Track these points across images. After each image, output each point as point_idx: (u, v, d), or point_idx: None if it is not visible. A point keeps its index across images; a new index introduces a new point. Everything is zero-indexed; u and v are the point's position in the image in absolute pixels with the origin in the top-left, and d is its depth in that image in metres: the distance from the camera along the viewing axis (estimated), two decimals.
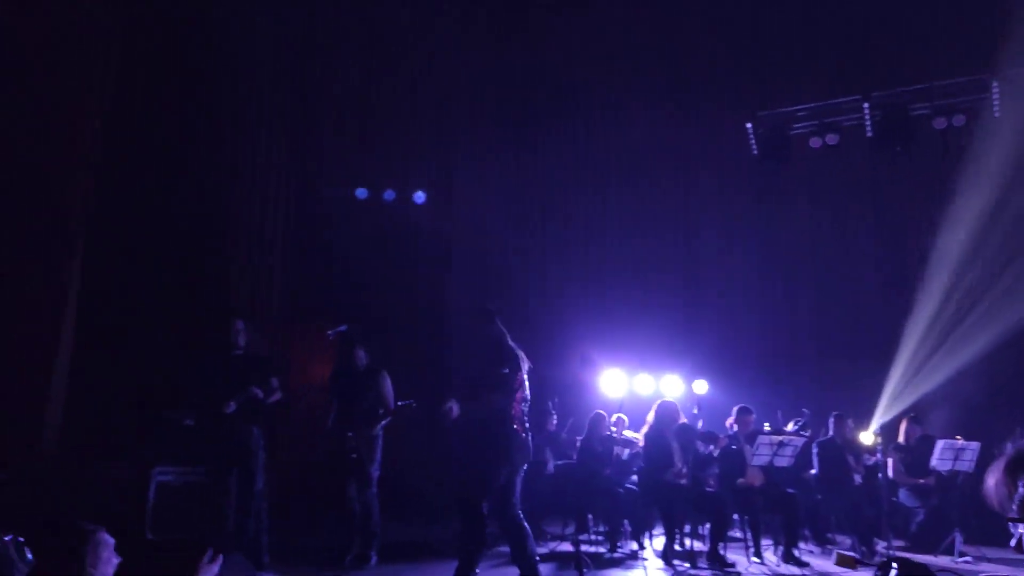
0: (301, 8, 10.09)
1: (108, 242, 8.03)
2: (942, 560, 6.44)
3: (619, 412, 7.87)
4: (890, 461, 7.28)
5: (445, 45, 10.95)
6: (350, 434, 5.89)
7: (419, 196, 10.86)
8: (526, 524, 4.80)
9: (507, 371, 4.86)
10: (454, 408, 4.74)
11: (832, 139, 9.60)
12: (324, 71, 10.49)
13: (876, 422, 8.22)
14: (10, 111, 7.10)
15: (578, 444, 7.70)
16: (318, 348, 8.73)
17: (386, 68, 10.81)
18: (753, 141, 10.02)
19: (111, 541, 2.50)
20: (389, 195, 10.75)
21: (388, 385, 6.12)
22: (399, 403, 6.16)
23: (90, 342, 7.59)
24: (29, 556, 5.03)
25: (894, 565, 2.82)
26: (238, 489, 5.63)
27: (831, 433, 7.34)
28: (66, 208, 7.19)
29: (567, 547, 6.86)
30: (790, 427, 7.63)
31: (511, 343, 5.02)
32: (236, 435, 5.55)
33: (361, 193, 10.50)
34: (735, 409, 7.21)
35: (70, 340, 7.14)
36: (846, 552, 6.38)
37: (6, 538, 4.97)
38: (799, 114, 9.86)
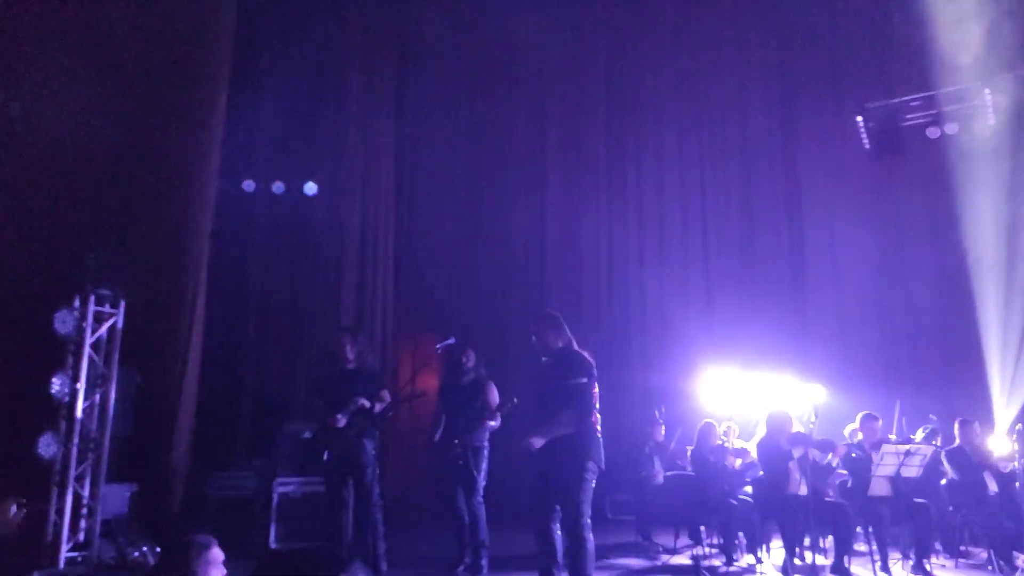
0: None
1: (227, 258, 8.46)
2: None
3: (728, 421, 7.67)
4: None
5: None
6: (456, 441, 5.94)
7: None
8: (591, 540, 4.61)
9: (584, 380, 4.69)
10: (535, 443, 4.57)
11: (951, 128, 9.10)
12: None
13: (1010, 425, 7.71)
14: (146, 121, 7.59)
15: (688, 454, 7.56)
16: (426, 359, 8.91)
17: None
18: (864, 134, 9.60)
19: (220, 556, 2.64)
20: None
21: (494, 394, 6.14)
22: (502, 403, 6.07)
23: (215, 359, 7.99)
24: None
25: None
26: (355, 499, 5.81)
27: (957, 441, 6.92)
28: (192, 226, 7.61)
29: (680, 560, 6.75)
30: (919, 435, 7.25)
31: (579, 349, 4.87)
32: (350, 447, 5.71)
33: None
34: (860, 416, 6.90)
35: (198, 357, 7.54)
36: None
37: (143, 548, 5.29)
38: (912, 104, 9.39)
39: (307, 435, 6.67)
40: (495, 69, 11.16)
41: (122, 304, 6.65)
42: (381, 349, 9.34)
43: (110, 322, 6.61)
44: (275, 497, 6.76)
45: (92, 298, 6.46)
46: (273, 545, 6.65)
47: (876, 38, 10.29)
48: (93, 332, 6.48)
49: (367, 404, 5.71)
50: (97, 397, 6.51)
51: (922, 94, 9.36)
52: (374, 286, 9.53)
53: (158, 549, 5.42)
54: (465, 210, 10.95)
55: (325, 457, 5.73)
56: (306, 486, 6.81)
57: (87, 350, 6.39)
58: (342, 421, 5.68)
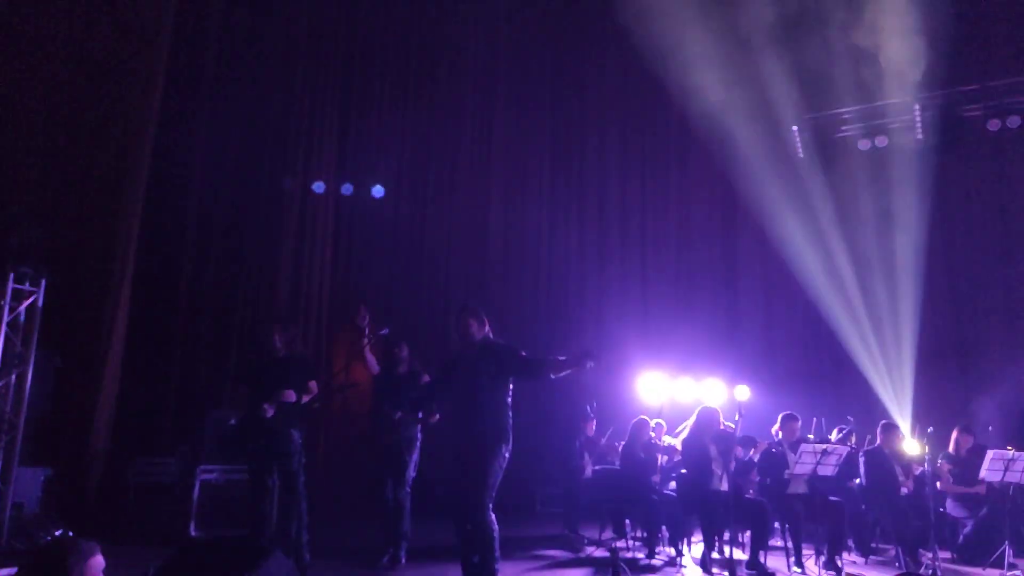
0: None
1: (157, 244, 8.27)
2: (990, 573, 6.26)
3: (658, 418, 7.83)
4: (941, 471, 7.11)
5: None
6: (399, 415, 5.88)
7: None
8: (496, 529, 4.67)
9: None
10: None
11: (882, 141, 9.43)
12: None
13: (917, 428, 8.05)
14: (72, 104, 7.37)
15: (619, 450, 7.68)
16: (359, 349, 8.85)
17: None
18: (799, 144, 9.88)
19: (101, 564, 2.50)
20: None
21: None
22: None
23: (139, 343, 7.80)
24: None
25: None
26: (280, 488, 5.74)
27: (879, 442, 7.19)
28: (121, 208, 7.42)
29: (604, 553, 6.85)
30: (834, 435, 7.49)
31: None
32: (276, 436, 5.63)
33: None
34: (780, 416, 7.10)
35: (121, 340, 7.35)
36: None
37: (56, 532, 5.13)
38: (845, 116, 9.70)
39: (232, 422, 6.56)
40: (441, 66, 11.15)
41: (43, 283, 6.45)
42: (315, 339, 9.23)
43: (29, 300, 6.41)
44: (197, 484, 6.64)
45: (11, 275, 6.26)
46: (193, 533, 6.53)
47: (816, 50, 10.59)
48: (11, 311, 6.27)
49: (292, 398, 5.63)
50: (13, 378, 6.30)
51: (855, 107, 9.66)
52: (310, 276, 9.40)
53: (70, 534, 5.27)
54: (407, 204, 10.90)
55: (248, 447, 5.65)
56: (230, 474, 6.70)
57: (3, 329, 6.19)
58: (270, 411, 5.60)
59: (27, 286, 6.40)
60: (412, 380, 6.12)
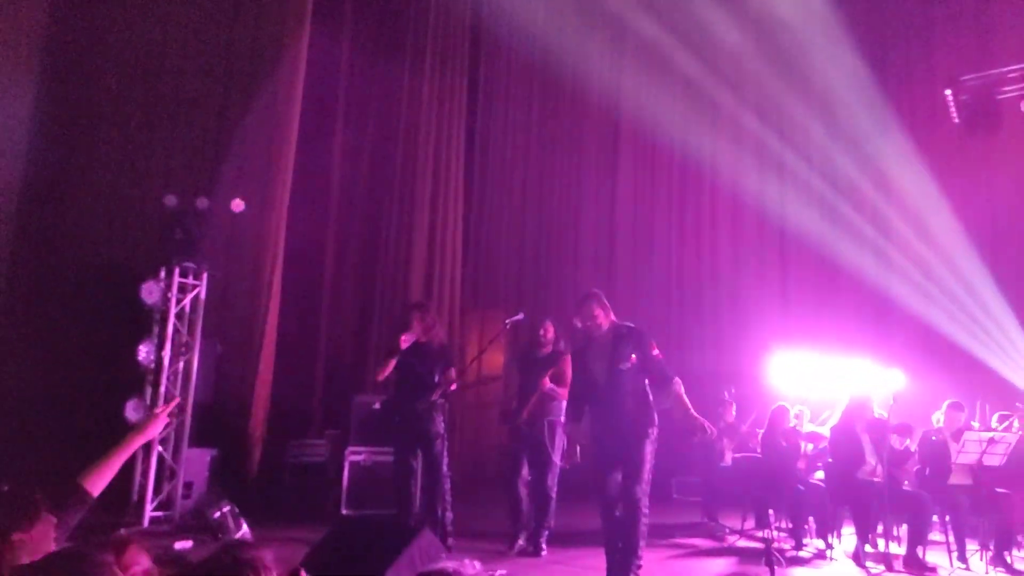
0: None
1: (302, 235, 8.70)
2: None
3: (801, 404, 7.51)
4: None
5: None
6: (515, 408, 5.83)
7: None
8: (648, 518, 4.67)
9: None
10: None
11: None
12: None
13: None
14: None
15: (759, 437, 7.43)
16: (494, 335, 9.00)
17: None
18: (954, 109, 9.15)
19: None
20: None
21: (568, 368, 5.80)
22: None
23: (289, 332, 8.26)
24: (244, 525, 5.53)
25: None
26: (423, 470, 5.91)
27: None
28: (270, 201, 7.87)
29: (747, 543, 6.67)
30: (994, 422, 6.93)
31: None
32: (419, 419, 5.80)
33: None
34: (946, 404, 6.64)
35: (274, 329, 7.81)
36: None
37: (224, 508, 5.52)
38: (1008, 76, 8.88)
39: (377, 406, 6.83)
40: (568, 58, 11.11)
41: (204, 276, 6.93)
42: (448, 325, 9.46)
43: (193, 293, 6.90)
44: (346, 465, 6.96)
45: (177, 270, 6.77)
46: (344, 511, 6.86)
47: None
48: (177, 303, 6.78)
49: (440, 400, 5.71)
50: (181, 365, 6.83)
51: (1019, 66, 8.83)
52: (442, 263, 9.64)
53: (236, 510, 5.66)
54: (535, 190, 10.96)
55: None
56: (376, 455, 6.99)
57: (172, 319, 6.70)
58: (424, 405, 5.71)
59: (191, 279, 6.90)
60: (554, 363, 5.96)
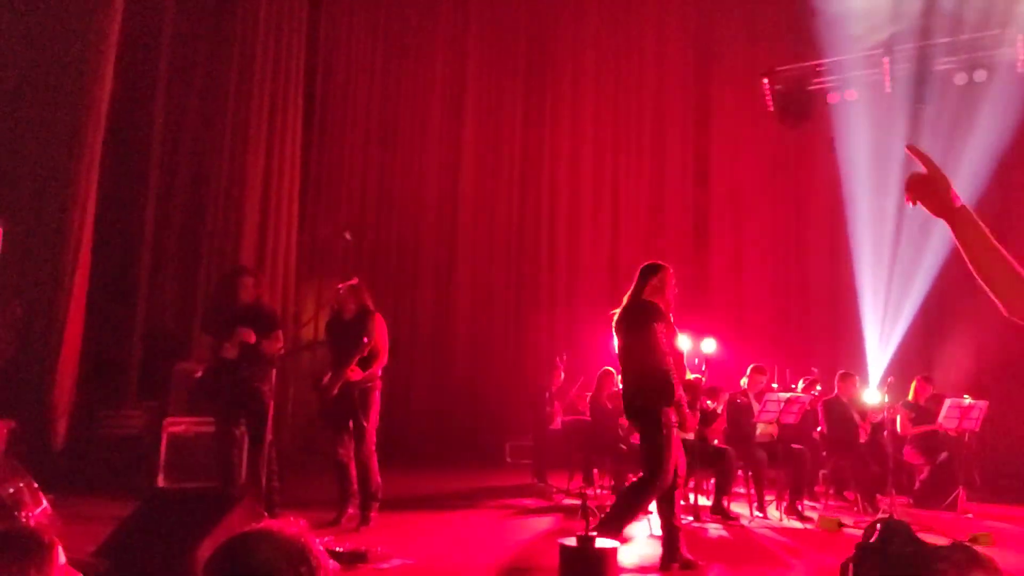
0: None
1: (121, 192, 8.06)
2: (945, 515, 6.48)
3: None
4: (898, 417, 7.29)
5: None
6: (327, 382, 5.55)
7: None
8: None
9: None
10: None
11: (851, 95, 9.44)
12: None
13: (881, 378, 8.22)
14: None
15: (588, 400, 7.76)
16: (329, 302, 8.78)
17: None
18: (769, 97, 9.85)
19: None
20: None
21: (381, 329, 5.70)
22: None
23: (104, 294, 7.65)
24: (44, 502, 5.09)
25: (878, 527, 2.82)
26: (248, 440, 5.70)
27: (836, 391, 7.35)
28: (79, 153, 7.18)
29: (573, 500, 6.96)
30: (799, 385, 7.64)
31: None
32: (243, 387, 5.57)
33: None
34: (749, 367, 7.22)
35: (83, 291, 7.20)
36: (829, 516, 6.35)
37: (20, 483, 5.06)
38: (818, 69, 9.67)
39: (198, 375, 6.48)
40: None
41: (0, 230, 6.28)
42: (282, 292, 9.13)
43: None
44: (164, 436, 6.59)
45: None
46: (161, 485, 6.50)
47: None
48: None
49: (252, 339, 5.48)
50: None
51: (826, 60, 9.62)
52: (276, 226, 9.23)
53: (35, 484, 5.21)
54: (376, 153, 10.74)
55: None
56: (198, 426, 6.65)
57: None
58: (232, 351, 5.48)
59: None
60: (362, 322, 5.65)
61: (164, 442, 6.58)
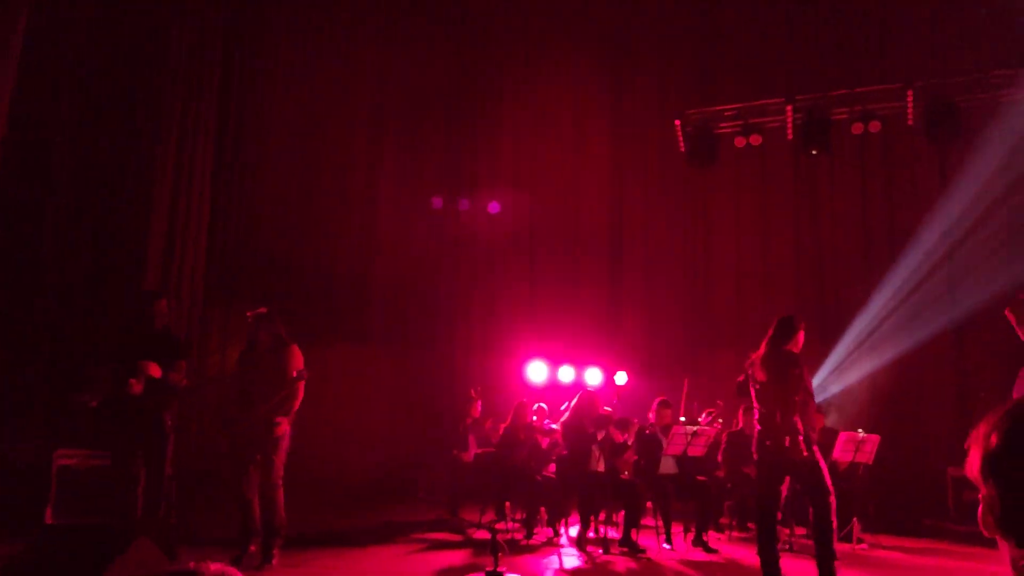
0: None
1: (17, 214, 7.67)
2: (841, 547, 6.72)
3: (540, 402, 7.97)
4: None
5: None
6: (234, 417, 5.43)
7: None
8: None
9: None
10: None
11: (756, 140, 9.88)
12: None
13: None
14: None
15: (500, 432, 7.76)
16: (237, 331, 8.53)
17: None
18: (680, 138, 10.22)
19: None
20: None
21: (298, 360, 5.50)
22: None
23: None
24: None
25: None
26: (146, 474, 5.44)
27: (740, 424, 7.57)
28: None
29: (484, 534, 6.92)
30: (703, 418, 7.84)
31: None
32: (143, 419, 5.34)
33: None
34: (656, 402, 7.37)
35: None
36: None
37: None
38: (726, 113, 10.10)
39: (94, 405, 6.17)
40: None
41: None
42: (188, 318, 8.82)
43: None
44: (55, 469, 6.22)
45: None
46: (50, 521, 6.12)
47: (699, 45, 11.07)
48: None
49: (158, 373, 5.29)
50: None
51: (736, 105, 10.07)
52: (183, 254, 8.93)
53: None
54: (290, 178, 10.59)
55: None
56: (92, 459, 6.31)
57: None
58: (138, 387, 5.27)
59: None
60: (277, 354, 5.51)
61: (54, 475, 6.21)
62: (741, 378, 5.44)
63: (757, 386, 5.25)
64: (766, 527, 5.13)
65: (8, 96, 7.14)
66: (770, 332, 5.31)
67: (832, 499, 4.98)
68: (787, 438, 4.97)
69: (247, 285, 9.27)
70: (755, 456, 5.28)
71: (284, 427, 5.37)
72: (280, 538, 5.46)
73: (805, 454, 4.99)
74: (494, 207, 11.41)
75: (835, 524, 5.04)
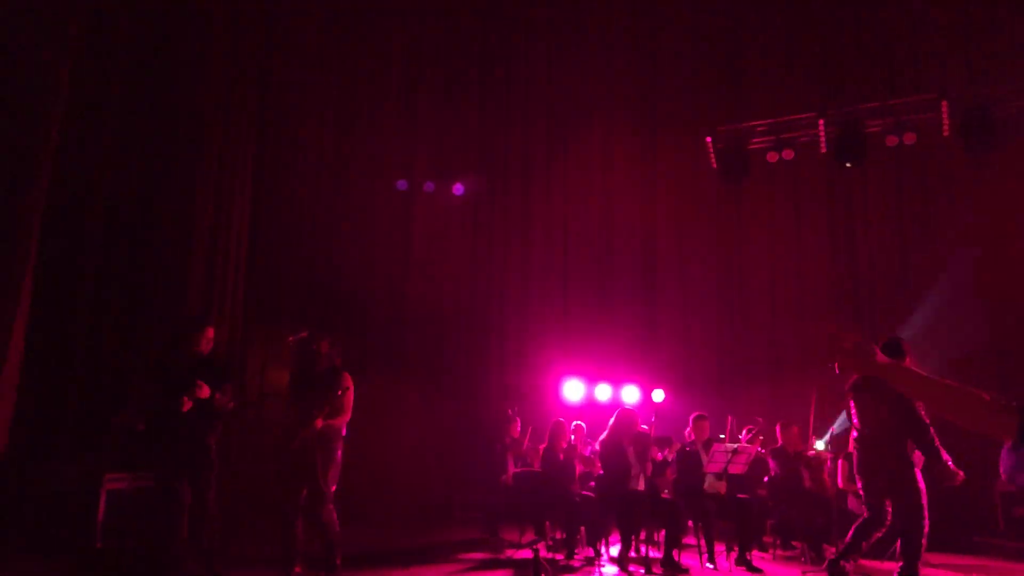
0: None
1: (62, 239, 7.85)
2: (888, 566, 6.61)
3: (577, 420, 7.95)
4: (839, 468, 7.45)
5: None
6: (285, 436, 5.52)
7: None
8: None
9: None
10: None
11: (788, 154, 9.83)
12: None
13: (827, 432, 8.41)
14: None
15: (540, 452, 7.74)
16: (276, 353, 8.64)
17: None
18: (712, 155, 10.20)
19: None
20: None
21: (347, 385, 5.67)
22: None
23: (41, 343, 7.40)
24: None
25: None
26: (192, 497, 5.51)
27: (780, 442, 7.49)
28: (20, 205, 7.00)
29: (525, 554, 6.90)
30: (744, 435, 7.76)
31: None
32: (189, 442, 5.43)
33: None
34: (692, 417, 7.32)
35: (20, 341, 6.95)
36: None
37: None
38: (757, 129, 10.07)
39: (141, 427, 6.28)
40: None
41: None
42: (228, 342, 8.94)
43: None
44: (103, 493, 6.33)
45: None
46: (99, 545, 6.22)
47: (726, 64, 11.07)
48: None
49: (207, 394, 5.39)
50: None
51: (767, 120, 10.04)
52: (224, 276, 9.07)
53: None
54: (327, 201, 10.75)
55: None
56: (139, 482, 6.42)
57: None
58: (188, 404, 5.34)
59: None
60: (329, 378, 5.66)
61: (103, 499, 6.32)
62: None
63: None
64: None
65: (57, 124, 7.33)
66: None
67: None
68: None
69: (287, 307, 9.39)
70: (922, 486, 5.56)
71: (319, 425, 5.44)
72: (339, 548, 5.52)
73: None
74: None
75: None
